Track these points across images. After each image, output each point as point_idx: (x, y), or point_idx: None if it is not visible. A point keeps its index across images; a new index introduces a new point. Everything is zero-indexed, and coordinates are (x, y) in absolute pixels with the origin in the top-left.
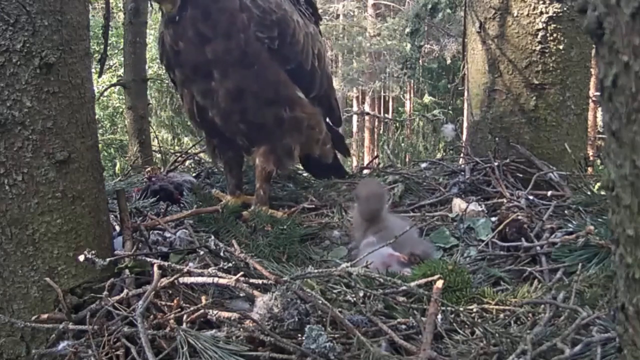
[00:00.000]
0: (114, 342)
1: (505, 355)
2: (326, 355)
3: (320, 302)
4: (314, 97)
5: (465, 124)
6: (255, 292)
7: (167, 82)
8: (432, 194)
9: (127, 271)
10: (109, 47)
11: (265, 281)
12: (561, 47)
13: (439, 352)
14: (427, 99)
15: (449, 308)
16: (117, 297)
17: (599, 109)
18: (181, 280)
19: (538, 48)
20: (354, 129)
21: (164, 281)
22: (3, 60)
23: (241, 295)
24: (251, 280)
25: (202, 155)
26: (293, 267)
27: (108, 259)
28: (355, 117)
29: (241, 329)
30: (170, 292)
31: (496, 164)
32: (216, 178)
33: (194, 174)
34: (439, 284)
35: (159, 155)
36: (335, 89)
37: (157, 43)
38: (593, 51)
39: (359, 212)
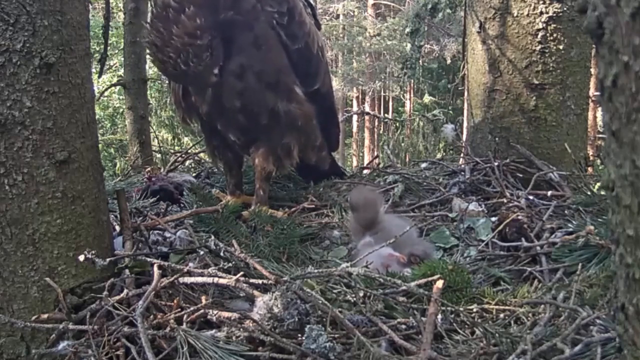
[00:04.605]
0: (114, 342)
1: (505, 355)
2: (326, 355)
3: (320, 302)
4: (315, 91)
5: (465, 124)
6: (255, 292)
7: (167, 82)
8: (432, 194)
9: (127, 271)
10: (109, 47)
11: (265, 281)
12: (561, 47)
13: (439, 352)
14: (427, 99)
15: (449, 308)
16: (117, 297)
17: (599, 109)
18: (181, 280)
19: (538, 48)
20: (354, 129)
21: (164, 281)
22: (3, 60)
23: (241, 295)
24: (251, 280)
25: (202, 155)
26: (293, 267)
27: (108, 259)
28: (355, 117)
29: (241, 329)
30: (170, 292)
31: (496, 164)
32: (216, 178)
33: (194, 174)
34: (439, 284)
35: (159, 155)
36: (337, 109)
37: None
38: (593, 51)
39: (355, 220)
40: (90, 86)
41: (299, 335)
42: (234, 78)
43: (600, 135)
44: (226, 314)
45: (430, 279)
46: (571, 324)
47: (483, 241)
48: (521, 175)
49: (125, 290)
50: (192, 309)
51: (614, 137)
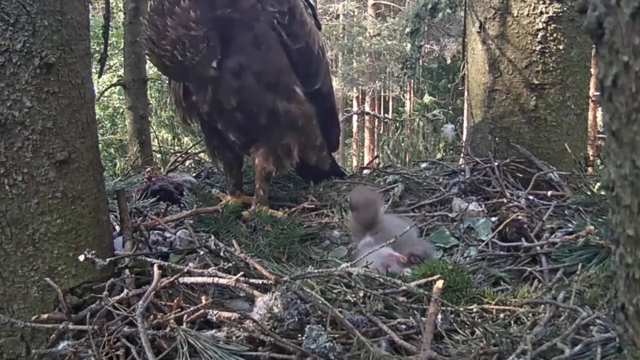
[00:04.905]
0: (114, 342)
1: (505, 355)
2: (326, 355)
3: (320, 302)
4: (316, 91)
5: (465, 124)
6: (255, 292)
7: (167, 82)
8: (432, 194)
9: (127, 271)
10: (109, 47)
11: (265, 281)
12: (561, 47)
13: (439, 352)
14: (427, 99)
15: (449, 308)
16: (117, 297)
17: (599, 109)
18: (181, 280)
19: (538, 48)
20: (354, 129)
21: (164, 281)
22: (3, 60)
23: (241, 295)
24: (251, 280)
25: (202, 155)
26: (293, 267)
27: (108, 259)
28: (355, 117)
29: (241, 329)
30: (170, 292)
31: (496, 164)
32: (216, 178)
33: (194, 174)
34: (439, 284)
35: (159, 155)
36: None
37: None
38: (593, 51)
39: (355, 219)
40: (90, 86)
41: (299, 335)
42: (231, 76)
43: (600, 135)
44: (226, 314)
45: (430, 279)
46: (571, 324)
47: (483, 241)
48: (521, 175)
49: (125, 290)
50: (192, 309)
51: (614, 137)
